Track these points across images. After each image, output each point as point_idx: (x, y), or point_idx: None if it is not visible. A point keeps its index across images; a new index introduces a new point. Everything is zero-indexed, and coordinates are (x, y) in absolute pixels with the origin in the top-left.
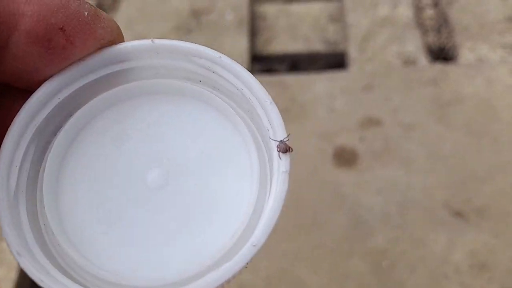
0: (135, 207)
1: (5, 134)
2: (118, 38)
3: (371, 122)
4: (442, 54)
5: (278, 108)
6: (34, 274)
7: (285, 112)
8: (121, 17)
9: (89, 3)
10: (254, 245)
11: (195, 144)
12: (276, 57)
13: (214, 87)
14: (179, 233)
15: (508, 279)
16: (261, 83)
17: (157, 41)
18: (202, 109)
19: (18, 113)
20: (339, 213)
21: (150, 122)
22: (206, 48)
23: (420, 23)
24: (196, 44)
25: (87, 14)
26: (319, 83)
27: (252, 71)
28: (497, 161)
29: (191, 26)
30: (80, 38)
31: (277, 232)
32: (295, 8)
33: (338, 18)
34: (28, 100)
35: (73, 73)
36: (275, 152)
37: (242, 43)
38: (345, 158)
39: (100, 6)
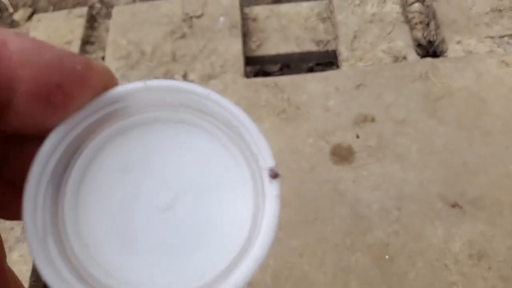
0: (146, 228)
1: (16, 173)
2: (111, 82)
3: (365, 119)
4: (431, 49)
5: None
6: None
7: (281, 113)
8: (115, 25)
9: (79, 56)
10: (256, 260)
11: (193, 167)
12: (269, 58)
13: (205, 112)
14: (185, 249)
15: (506, 267)
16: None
17: (149, 82)
18: (194, 134)
19: (32, 165)
20: (340, 209)
21: (149, 150)
22: (195, 85)
23: (408, 19)
24: (186, 83)
25: (81, 67)
26: (313, 83)
27: (246, 73)
28: (489, 153)
29: (184, 31)
30: (77, 91)
31: (282, 229)
32: (284, 8)
33: (328, 17)
34: (38, 152)
35: (75, 120)
36: (265, 177)
37: (236, 47)
38: (342, 155)
39: (92, 14)
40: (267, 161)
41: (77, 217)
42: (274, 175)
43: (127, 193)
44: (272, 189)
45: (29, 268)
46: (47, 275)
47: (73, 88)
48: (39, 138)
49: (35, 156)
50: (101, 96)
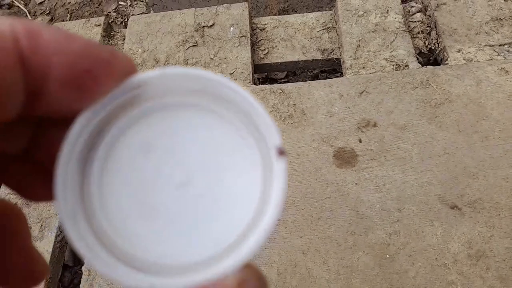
0: (165, 203)
1: (46, 155)
2: (133, 70)
3: (368, 125)
4: (432, 57)
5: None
6: (102, 268)
7: (287, 118)
8: (130, 34)
9: (105, 45)
10: (265, 229)
11: (208, 148)
12: (276, 66)
13: (217, 96)
14: (201, 221)
15: (504, 267)
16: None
17: (167, 70)
18: (209, 117)
19: (62, 146)
20: (343, 210)
21: (167, 132)
22: (210, 72)
23: (410, 28)
24: (200, 70)
25: (107, 55)
26: (317, 90)
27: (254, 80)
28: (487, 157)
29: (196, 40)
30: (104, 77)
31: (287, 228)
32: (291, 18)
33: (332, 27)
34: (68, 134)
35: (101, 104)
36: (273, 154)
37: (245, 55)
38: (345, 159)
39: (110, 24)
40: (275, 140)
41: (102, 193)
42: (281, 152)
43: (148, 172)
44: (279, 165)
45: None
46: (79, 247)
47: (100, 74)
48: (67, 122)
49: (65, 137)
50: (124, 82)
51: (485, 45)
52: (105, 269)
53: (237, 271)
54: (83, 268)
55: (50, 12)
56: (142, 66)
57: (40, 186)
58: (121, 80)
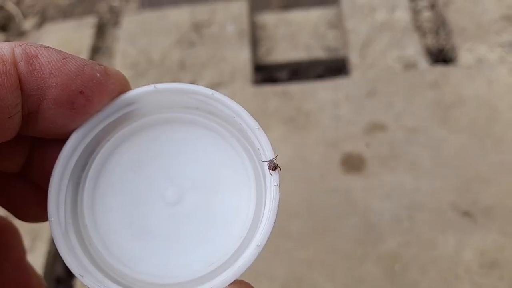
0: (157, 222)
1: (40, 175)
2: (125, 87)
3: (376, 128)
4: (441, 56)
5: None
6: (92, 285)
7: (290, 122)
8: (124, 33)
9: (99, 64)
10: (258, 245)
11: (200, 164)
12: (278, 65)
13: (210, 112)
14: (194, 240)
15: None
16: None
17: (158, 86)
18: (201, 133)
19: (56, 163)
20: (350, 219)
21: (159, 149)
22: (200, 86)
23: (418, 26)
24: (191, 85)
25: (99, 75)
26: (322, 91)
27: (255, 80)
28: (501, 161)
29: (193, 39)
30: (97, 96)
31: (291, 239)
32: (294, 16)
33: (337, 24)
34: (62, 151)
35: (93, 122)
36: (266, 170)
37: (244, 54)
38: (352, 164)
39: (102, 23)
40: (268, 155)
41: (94, 212)
42: (273, 168)
43: (139, 190)
44: (272, 180)
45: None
46: (69, 262)
47: (93, 93)
48: (61, 141)
49: (59, 155)
50: (116, 99)
51: (495, 44)
52: (93, 284)
53: (230, 286)
54: (77, 282)
55: (42, 12)
56: (136, 67)
57: (33, 206)
58: (113, 98)
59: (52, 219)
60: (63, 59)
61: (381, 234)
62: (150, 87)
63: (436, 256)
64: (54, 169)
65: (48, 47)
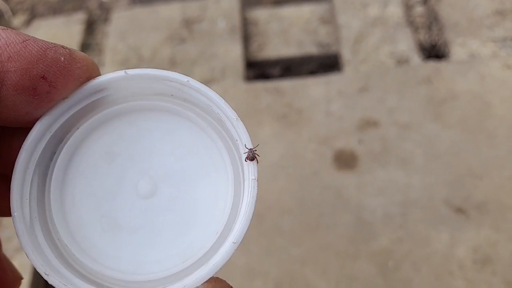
0: (129, 215)
1: (8, 165)
2: (94, 72)
3: (368, 124)
4: (434, 51)
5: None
6: (55, 282)
7: (283, 118)
8: (114, 30)
9: (63, 47)
10: (234, 242)
11: (175, 155)
12: (270, 62)
13: (185, 99)
14: (168, 235)
15: (510, 272)
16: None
17: (129, 71)
18: (176, 122)
19: (19, 154)
20: (343, 216)
21: (132, 138)
22: (175, 73)
23: (410, 22)
24: (165, 71)
25: (64, 59)
26: (314, 87)
27: (247, 77)
28: (493, 156)
29: (184, 35)
30: (61, 82)
31: (284, 236)
32: (285, 11)
33: (329, 19)
34: (25, 141)
35: (60, 109)
36: (244, 161)
37: (235, 50)
38: (345, 161)
39: (92, 19)
40: (246, 145)
41: (63, 204)
42: (251, 158)
43: (111, 181)
44: (250, 172)
45: (29, 279)
46: (34, 260)
47: (57, 79)
48: (27, 129)
49: (22, 145)
50: (84, 85)
51: (488, 39)
52: (59, 283)
53: (205, 284)
54: None
55: (31, 8)
56: (126, 64)
57: (5, 199)
58: (80, 84)
59: (15, 213)
60: (23, 41)
61: (374, 231)
62: (120, 73)
63: (429, 252)
64: (17, 160)
65: (7, 28)
